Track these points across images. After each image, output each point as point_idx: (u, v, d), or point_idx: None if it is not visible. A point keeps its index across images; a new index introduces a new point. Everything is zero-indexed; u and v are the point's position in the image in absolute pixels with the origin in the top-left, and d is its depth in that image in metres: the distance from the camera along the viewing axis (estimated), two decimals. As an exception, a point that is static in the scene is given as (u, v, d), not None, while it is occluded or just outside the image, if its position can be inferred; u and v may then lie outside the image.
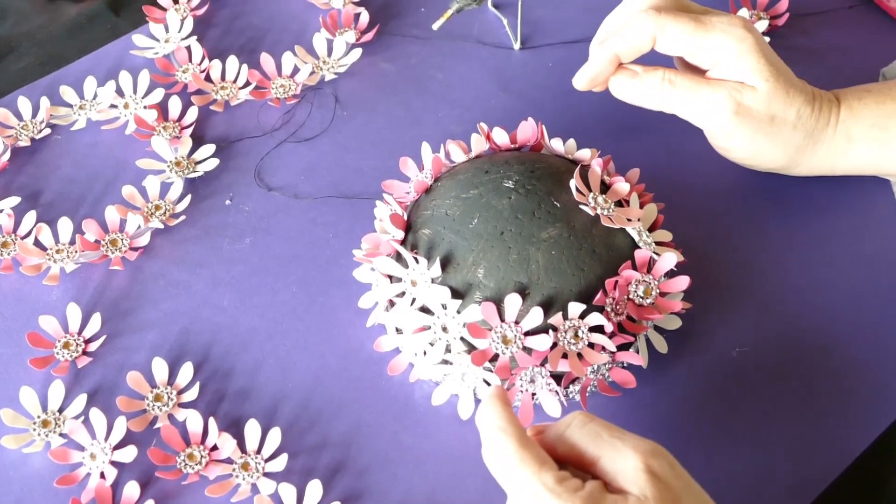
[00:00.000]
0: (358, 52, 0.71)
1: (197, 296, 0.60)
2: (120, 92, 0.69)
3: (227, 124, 0.68)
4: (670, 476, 0.41)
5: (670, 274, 0.54)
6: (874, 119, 0.58)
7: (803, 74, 0.59)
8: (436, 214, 0.54)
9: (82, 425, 0.53)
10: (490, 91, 0.70)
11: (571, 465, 0.43)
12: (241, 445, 0.53)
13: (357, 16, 0.73)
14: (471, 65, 0.72)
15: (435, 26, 0.67)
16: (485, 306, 0.50)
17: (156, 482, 0.52)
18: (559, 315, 0.50)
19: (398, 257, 0.54)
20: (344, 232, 0.62)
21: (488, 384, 0.52)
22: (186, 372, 0.56)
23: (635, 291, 0.52)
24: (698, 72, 0.57)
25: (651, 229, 0.56)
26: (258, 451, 0.53)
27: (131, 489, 0.52)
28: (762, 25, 0.71)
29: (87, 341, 0.58)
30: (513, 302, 0.50)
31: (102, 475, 0.52)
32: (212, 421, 0.53)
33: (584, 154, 0.57)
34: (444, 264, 0.52)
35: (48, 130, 0.67)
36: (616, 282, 0.52)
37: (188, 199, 0.63)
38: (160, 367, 0.56)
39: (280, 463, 0.52)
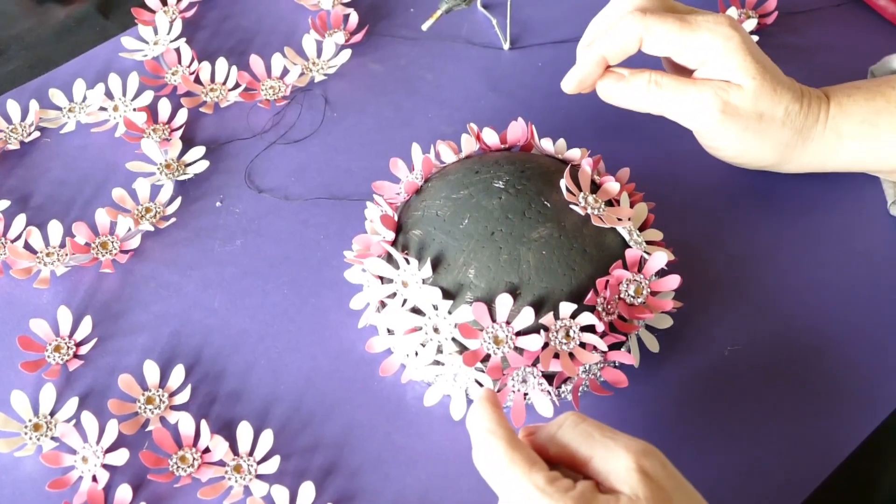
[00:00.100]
0: (347, 53, 0.71)
1: (188, 298, 0.60)
2: (109, 94, 0.69)
3: (216, 126, 0.68)
4: (662, 476, 0.41)
5: (661, 273, 0.54)
6: (864, 115, 0.58)
7: (792, 73, 0.59)
8: (426, 215, 0.54)
9: (74, 428, 0.53)
10: (480, 91, 0.70)
11: (564, 465, 0.43)
12: (234, 447, 0.53)
13: (346, 17, 0.73)
14: (460, 65, 0.72)
15: (424, 27, 0.67)
16: (476, 307, 0.50)
17: (148, 485, 0.52)
18: (550, 315, 0.50)
19: (389, 258, 0.54)
20: (335, 233, 0.62)
21: (480, 385, 0.52)
22: (178, 374, 0.56)
23: (626, 291, 0.53)
24: (686, 72, 0.57)
25: (641, 228, 0.56)
26: (250, 454, 0.53)
27: (123, 492, 0.52)
28: (751, 24, 0.71)
29: (78, 344, 0.57)
30: (504, 302, 0.50)
31: (94, 478, 0.52)
32: (204, 423, 0.53)
33: (574, 154, 0.57)
34: (435, 265, 0.52)
35: (37, 133, 0.67)
36: (607, 281, 0.52)
37: (178, 201, 0.63)
38: (151, 370, 0.56)
39: (272, 465, 0.52)
